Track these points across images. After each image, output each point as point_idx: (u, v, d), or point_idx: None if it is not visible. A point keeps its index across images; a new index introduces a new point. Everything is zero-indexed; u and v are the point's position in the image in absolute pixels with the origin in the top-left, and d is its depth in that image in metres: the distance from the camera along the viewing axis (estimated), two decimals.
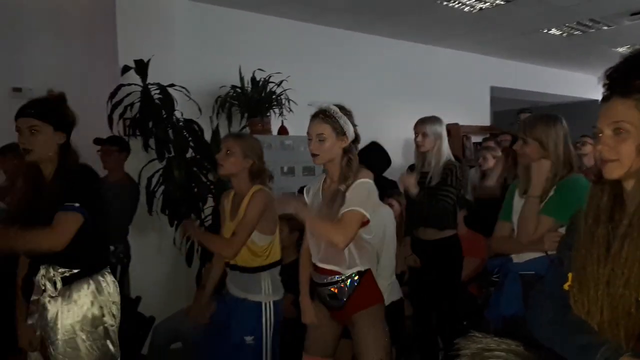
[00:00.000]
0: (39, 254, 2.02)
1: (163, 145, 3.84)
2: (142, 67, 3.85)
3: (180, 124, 3.94)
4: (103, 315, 2.06)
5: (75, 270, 2.01)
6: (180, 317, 3.34)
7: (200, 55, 4.47)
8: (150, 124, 3.84)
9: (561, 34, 6.06)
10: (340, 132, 2.10)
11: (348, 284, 2.16)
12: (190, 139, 3.96)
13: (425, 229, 3.20)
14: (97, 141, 3.65)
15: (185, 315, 3.32)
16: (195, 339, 3.19)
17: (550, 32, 5.96)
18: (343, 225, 2.00)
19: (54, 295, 2.01)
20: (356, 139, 2.17)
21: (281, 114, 4.55)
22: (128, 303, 3.23)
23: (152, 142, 3.87)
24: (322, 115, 2.11)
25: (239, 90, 4.49)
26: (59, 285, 2.00)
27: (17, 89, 3.89)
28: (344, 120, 2.11)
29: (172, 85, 3.90)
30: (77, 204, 1.90)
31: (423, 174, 3.19)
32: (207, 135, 4.02)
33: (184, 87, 3.94)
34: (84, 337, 2.00)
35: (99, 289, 2.05)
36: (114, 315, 2.10)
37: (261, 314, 2.38)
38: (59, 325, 2.00)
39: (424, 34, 5.90)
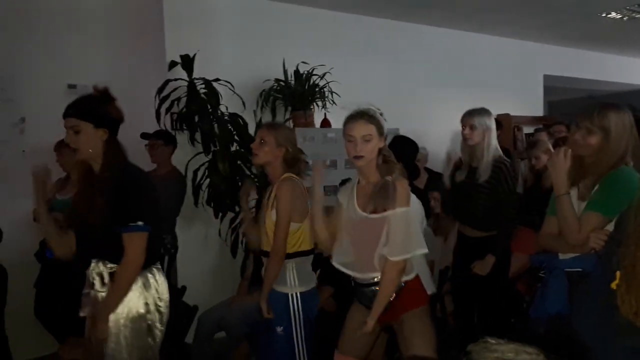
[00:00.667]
0: (91, 248, 2.10)
1: (208, 138, 3.91)
2: (188, 63, 3.93)
3: (225, 117, 4.00)
4: (148, 312, 2.07)
5: None
6: (225, 307, 3.41)
7: (244, 50, 4.52)
8: (196, 118, 3.92)
9: (621, 18, 5.72)
10: (382, 132, 2.15)
11: None
12: (234, 132, 4.02)
13: (472, 229, 3.12)
14: (143, 135, 3.75)
15: (229, 306, 3.41)
16: (240, 328, 3.27)
17: (609, 15, 5.64)
18: (391, 278, 2.08)
19: (101, 290, 2.07)
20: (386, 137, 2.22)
21: (324, 106, 4.54)
22: (174, 292, 3.33)
23: (198, 135, 3.95)
24: (366, 116, 2.13)
25: (282, 83, 4.51)
26: (106, 279, 2.06)
27: (72, 85, 4.06)
28: (382, 120, 2.16)
29: (217, 79, 3.96)
30: (140, 223, 1.96)
31: (471, 169, 3.10)
32: (251, 129, 4.06)
33: (228, 82, 4.00)
34: (126, 333, 2.03)
35: (146, 285, 2.07)
36: (159, 312, 2.11)
37: (288, 305, 2.39)
38: None
39: (473, 21, 5.71)
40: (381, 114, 2.18)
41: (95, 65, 4.08)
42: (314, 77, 4.53)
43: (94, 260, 2.11)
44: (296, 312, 2.39)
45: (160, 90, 3.83)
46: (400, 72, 5.47)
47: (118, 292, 2.01)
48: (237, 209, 3.95)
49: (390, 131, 3.51)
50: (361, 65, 5.12)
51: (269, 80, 4.51)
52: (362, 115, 2.13)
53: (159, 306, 2.12)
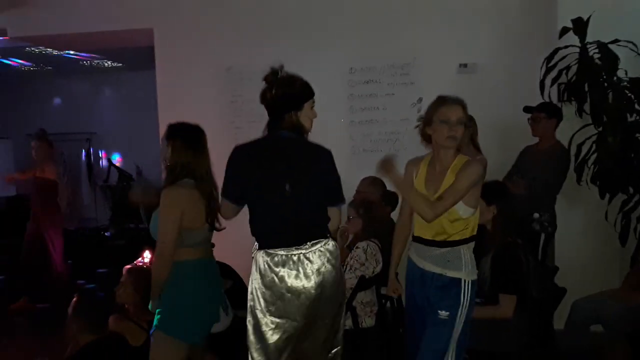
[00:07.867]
0: None
1: (599, 109, 3.48)
2: (580, 26, 3.59)
3: (623, 84, 3.47)
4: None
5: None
6: (605, 299, 3.10)
7: None
8: (586, 86, 3.56)
9: None
10: None
11: None
12: (635, 100, 3.45)
13: None
14: (526, 109, 3.68)
15: (610, 298, 3.06)
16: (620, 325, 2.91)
17: None
18: None
19: None
20: None
21: None
22: (546, 271, 3.20)
23: (587, 106, 3.58)
24: None
25: None
26: None
27: (463, 64, 4.32)
28: None
29: (615, 41, 3.48)
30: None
31: None
32: None
33: (630, 41, 3.46)
34: None
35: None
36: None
37: (460, 290, 2.26)
38: None
39: None
40: None
41: (484, 42, 4.22)
42: None
43: None
44: (466, 299, 2.27)
45: (549, 59, 3.64)
46: None
47: None
48: (631, 190, 3.41)
49: None
50: None
51: None
52: None
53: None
